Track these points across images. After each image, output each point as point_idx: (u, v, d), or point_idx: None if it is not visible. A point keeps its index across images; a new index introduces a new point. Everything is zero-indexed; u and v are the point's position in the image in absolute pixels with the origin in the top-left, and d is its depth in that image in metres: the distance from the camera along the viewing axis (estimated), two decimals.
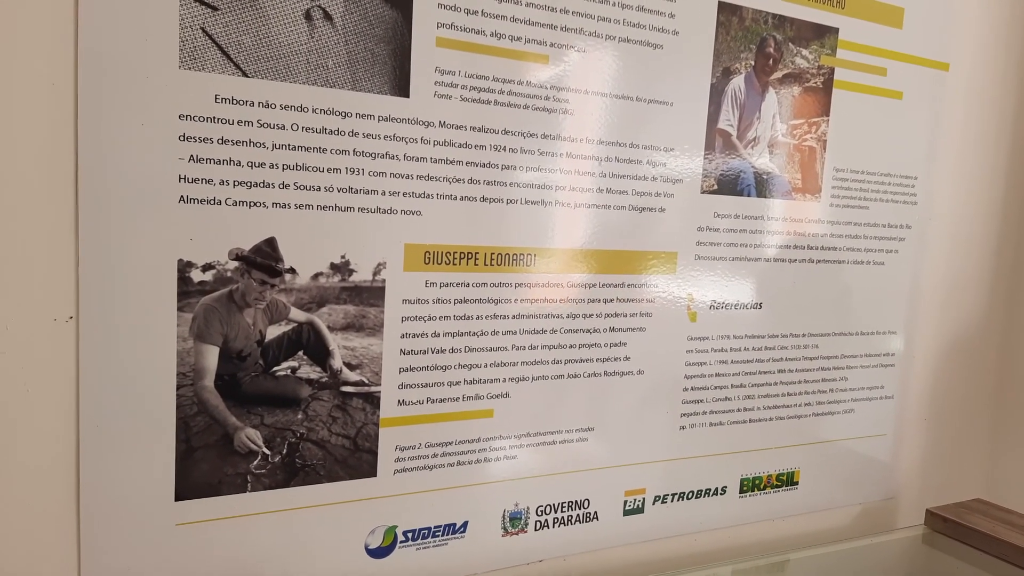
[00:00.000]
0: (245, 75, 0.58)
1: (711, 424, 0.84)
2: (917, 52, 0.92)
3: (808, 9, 0.84)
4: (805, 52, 0.85)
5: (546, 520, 0.76)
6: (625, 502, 0.80)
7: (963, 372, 1.06)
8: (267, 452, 0.61)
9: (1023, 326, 1.07)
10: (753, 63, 0.81)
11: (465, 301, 0.69)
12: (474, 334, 0.70)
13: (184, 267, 0.57)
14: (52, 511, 0.56)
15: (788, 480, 0.91)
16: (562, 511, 0.77)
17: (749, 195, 0.83)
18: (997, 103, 1.02)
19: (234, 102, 0.58)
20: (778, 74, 0.83)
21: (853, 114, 0.88)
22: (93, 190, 0.54)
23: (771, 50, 0.82)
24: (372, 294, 0.65)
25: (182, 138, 0.56)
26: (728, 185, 0.82)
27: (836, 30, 0.86)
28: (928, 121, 0.94)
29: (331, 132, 0.62)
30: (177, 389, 0.58)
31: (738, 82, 0.81)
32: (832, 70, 0.87)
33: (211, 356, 0.59)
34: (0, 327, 0.53)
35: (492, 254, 0.70)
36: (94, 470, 0.56)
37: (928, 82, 0.93)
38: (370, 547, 0.68)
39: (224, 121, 0.58)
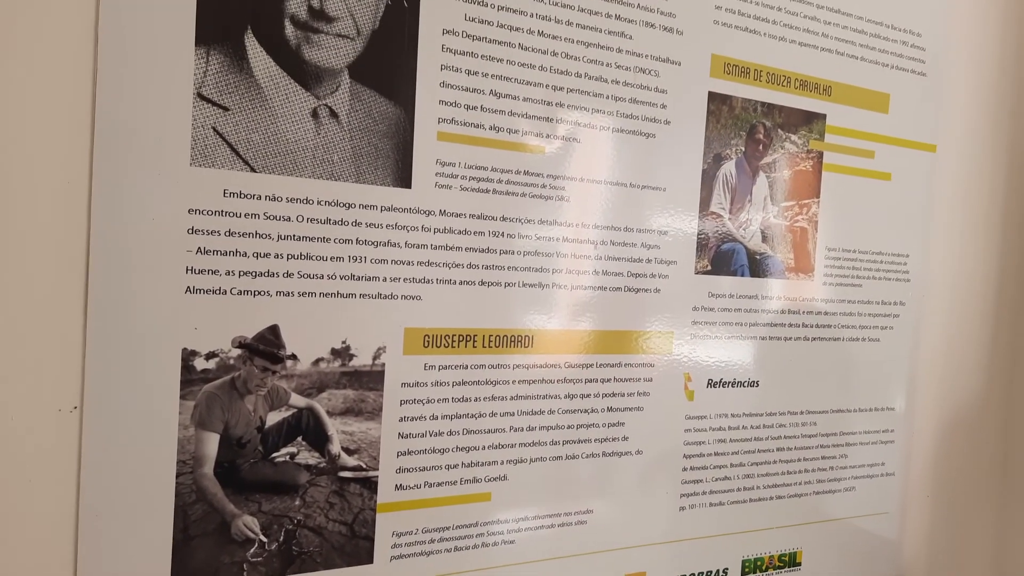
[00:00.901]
0: (253, 170, 0.61)
1: (711, 504, 0.84)
2: (904, 135, 0.95)
3: (796, 97, 0.87)
4: (794, 137, 0.88)
5: None
6: None
7: (966, 448, 1.05)
8: (264, 540, 0.61)
9: None
10: (743, 149, 0.84)
11: (463, 383, 0.70)
12: (472, 416, 0.70)
13: (188, 356, 0.59)
14: None
15: (791, 560, 0.90)
16: None
17: (743, 275, 0.85)
18: (986, 183, 1.05)
19: (242, 196, 0.60)
20: (768, 158, 0.86)
21: (843, 195, 0.91)
22: (103, 282, 0.56)
23: (760, 136, 0.85)
24: (372, 378, 0.66)
25: (190, 231, 0.59)
26: (722, 266, 0.83)
27: (824, 116, 0.89)
28: (917, 201, 0.97)
29: (335, 222, 0.64)
30: (177, 477, 0.59)
31: (729, 167, 0.83)
32: (821, 153, 0.89)
33: (211, 443, 0.60)
34: (5, 417, 0.54)
35: (491, 336, 0.71)
36: (91, 559, 0.57)
37: (916, 163, 0.96)
38: None
39: (232, 214, 0.60)
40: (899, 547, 0.99)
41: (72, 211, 0.56)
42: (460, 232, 0.69)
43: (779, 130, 0.86)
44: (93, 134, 0.56)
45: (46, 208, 0.55)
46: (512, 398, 0.72)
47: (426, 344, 0.68)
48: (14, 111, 0.54)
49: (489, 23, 0.69)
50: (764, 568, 0.88)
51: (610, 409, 0.78)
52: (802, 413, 0.89)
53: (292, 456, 0.63)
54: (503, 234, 0.71)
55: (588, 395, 0.76)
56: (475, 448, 0.71)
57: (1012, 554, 1.07)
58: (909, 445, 0.98)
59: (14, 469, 0.55)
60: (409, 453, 0.68)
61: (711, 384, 0.83)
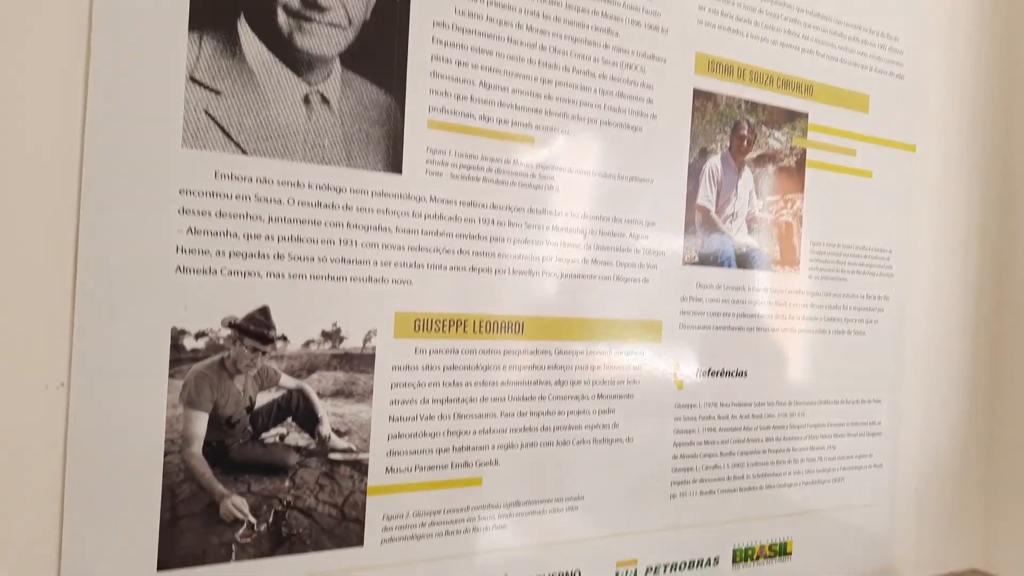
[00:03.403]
0: (244, 153, 0.61)
1: (701, 492, 0.84)
2: (884, 135, 0.97)
3: (779, 95, 0.89)
4: (778, 134, 0.89)
5: None
6: (617, 573, 0.79)
7: (953, 440, 1.06)
8: (253, 520, 0.61)
9: (1010, 391, 1.08)
10: (728, 144, 0.86)
11: (454, 368, 0.70)
12: (463, 400, 0.71)
13: (177, 335, 0.59)
14: None
15: (781, 551, 0.90)
16: None
17: (730, 267, 0.86)
18: (965, 180, 1.07)
19: (233, 178, 0.61)
20: (753, 154, 0.88)
21: (826, 191, 0.93)
22: (92, 260, 0.56)
23: (745, 132, 0.87)
24: (362, 361, 0.66)
25: (181, 211, 0.59)
26: (709, 257, 0.85)
27: (806, 114, 0.91)
28: (899, 198, 0.99)
29: (326, 206, 0.64)
30: (164, 456, 0.58)
31: (715, 161, 0.85)
32: (804, 151, 0.91)
33: (200, 423, 0.60)
34: None
35: (481, 321, 0.72)
36: (76, 537, 0.56)
37: (896, 162, 0.98)
38: None
39: (223, 196, 0.61)
40: (888, 538, 0.99)
41: (63, 189, 0.56)
42: (450, 218, 0.70)
43: (763, 127, 0.88)
44: (85, 113, 0.56)
45: (36, 186, 0.55)
46: (503, 383, 0.73)
47: (417, 328, 0.68)
48: (6, 92, 0.54)
49: (478, 16, 0.71)
50: (755, 558, 0.88)
51: (600, 396, 0.78)
52: (790, 404, 0.90)
53: (282, 437, 0.63)
54: (493, 221, 0.72)
55: (578, 382, 0.77)
56: (466, 433, 0.71)
57: (999, 547, 1.07)
58: (896, 437, 0.99)
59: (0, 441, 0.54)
60: (400, 436, 0.67)
61: (700, 373, 0.84)
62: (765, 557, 0.89)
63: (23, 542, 0.55)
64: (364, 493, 0.66)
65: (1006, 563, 1.05)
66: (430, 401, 0.69)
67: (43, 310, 0.55)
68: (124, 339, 0.57)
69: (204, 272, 0.60)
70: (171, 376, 0.59)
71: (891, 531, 0.99)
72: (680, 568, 0.83)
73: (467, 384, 0.71)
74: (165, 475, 0.58)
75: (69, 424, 0.56)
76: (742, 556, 0.87)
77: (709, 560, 0.85)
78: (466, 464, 0.70)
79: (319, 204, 0.64)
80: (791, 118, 0.90)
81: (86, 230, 0.56)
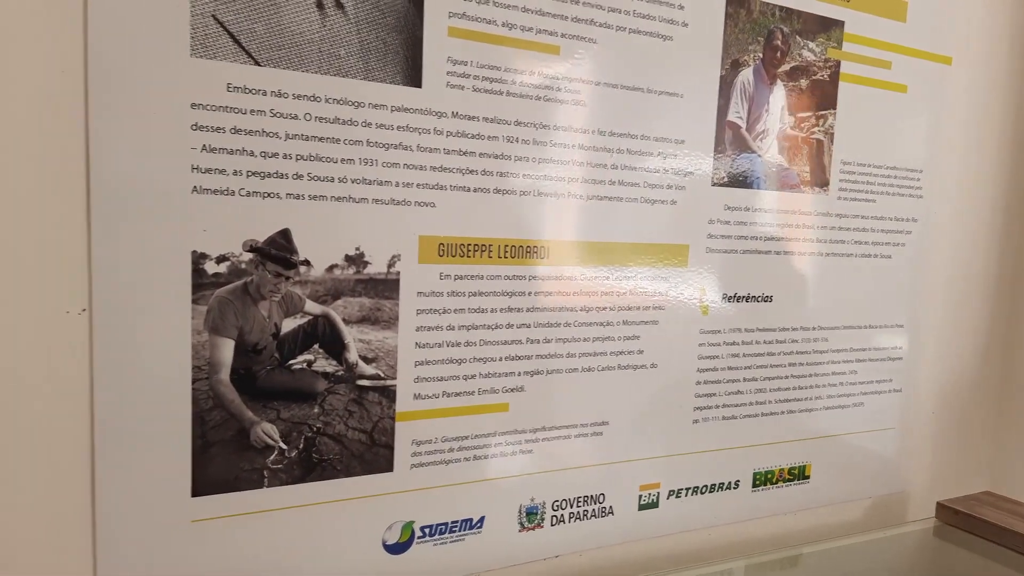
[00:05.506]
0: (257, 64, 0.57)
1: (724, 418, 0.84)
2: (920, 46, 0.93)
3: (814, 2, 0.84)
4: (812, 45, 0.85)
5: (562, 515, 0.75)
6: (640, 496, 0.80)
7: (970, 365, 1.06)
8: (284, 447, 0.60)
9: None
10: (761, 55, 0.81)
11: (479, 294, 0.68)
12: (488, 327, 0.69)
13: (198, 259, 0.56)
14: (67, 508, 0.55)
15: (800, 474, 0.91)
16: (577, 506, 0.76)
17: (759, 188, 0.83)
18: (1000, 97, 1.03)
19: (246, 91, 0.57)
20: (786, 67, 0.83)
21: (859, 107, 0.89)
22: (104, 180, 0.53)
23: (779, 42, 0.82)
24: (387, 287, 0.64)
25: (194, 127, 0.56)
26: (738, 177, 0.81)
27: (842, 23, 0.86)
28: (932, 115, 0.95)
29: (344, 122, 0.61)
30: (192, 383, 0.57)
31: (747, 74, 0.81)
32: (838, 63, 0.87)
33: (226, 349, 0.58)
34: (12, 319, 0.52)
35: (506, 246, 0.69)
36: (109, 466, 0.55)
37: (931, 76, 0.94)
38: (388, 543, 0.67)
39: (236, 110, 0.57)
40: (904, 462, 1.00)
41: (68, 108, 0.52)
42: (473, 136, 0.66)
43: (797, 37, 0.83)
44: (86, 19, 0.52)
45: (39, 108, 0.51)
46: (528, 310, 0.71)
47: (441, 253, 0.66)
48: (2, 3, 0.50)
49: None
50: (774, 481, 0.89)
51: (625, 322, 0.76)
52: (814, 329, 0.89)
53: (309, 364, 0.61)
54: (517, 139, 0.68)
55: (603, 308, 0.75)
56: (492, 359, 0.69)
57: (1012, 470, 1.09)
58: (916, 362, 0.99)
59: (25, 371, 0.53)
60: (427, 363, 0.66)
61: (726, 298, 0.82)
62: (784, 480, 0.90)
63: (55, 472, 0.54)
64: (393, 419, 0.65)
65: (1019, 486, 1.07)
66: (456, 328, 0.67)
67: (58, 235, 0.53)
68: (144, 263, 0.55)
69: (222, 193, 0.57)
70: (194, 302, 0.57)
71: (907, 455, 1.00)
72: (701, 491, 0.84)
73: (492, 310, 0.69)
74: (194, 402, 0.57)
75: (94, 350, 0.54)
76: (762, 479, 0.88)
77: (730, 484, 0.86)
78: (492, 390, 0.69)
79: (337, 120, 0.61)
80: (826, 27, 0.85)
81: (96, 148, 0.53)
